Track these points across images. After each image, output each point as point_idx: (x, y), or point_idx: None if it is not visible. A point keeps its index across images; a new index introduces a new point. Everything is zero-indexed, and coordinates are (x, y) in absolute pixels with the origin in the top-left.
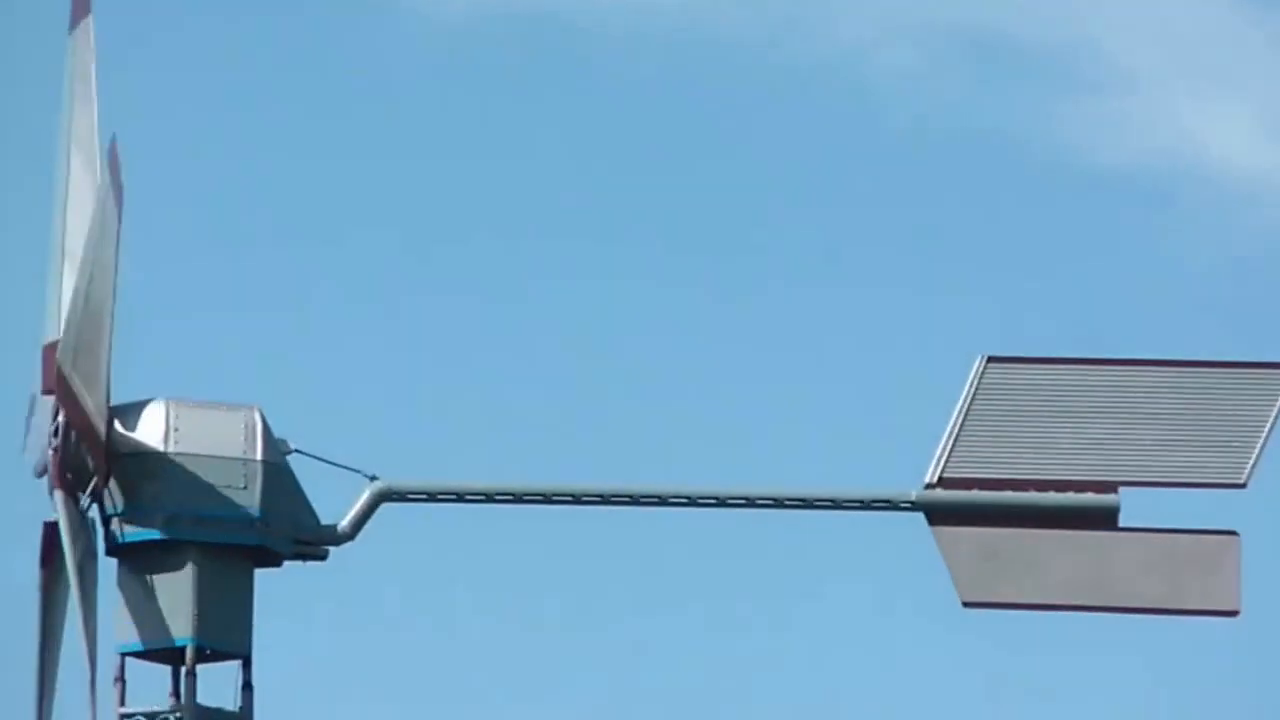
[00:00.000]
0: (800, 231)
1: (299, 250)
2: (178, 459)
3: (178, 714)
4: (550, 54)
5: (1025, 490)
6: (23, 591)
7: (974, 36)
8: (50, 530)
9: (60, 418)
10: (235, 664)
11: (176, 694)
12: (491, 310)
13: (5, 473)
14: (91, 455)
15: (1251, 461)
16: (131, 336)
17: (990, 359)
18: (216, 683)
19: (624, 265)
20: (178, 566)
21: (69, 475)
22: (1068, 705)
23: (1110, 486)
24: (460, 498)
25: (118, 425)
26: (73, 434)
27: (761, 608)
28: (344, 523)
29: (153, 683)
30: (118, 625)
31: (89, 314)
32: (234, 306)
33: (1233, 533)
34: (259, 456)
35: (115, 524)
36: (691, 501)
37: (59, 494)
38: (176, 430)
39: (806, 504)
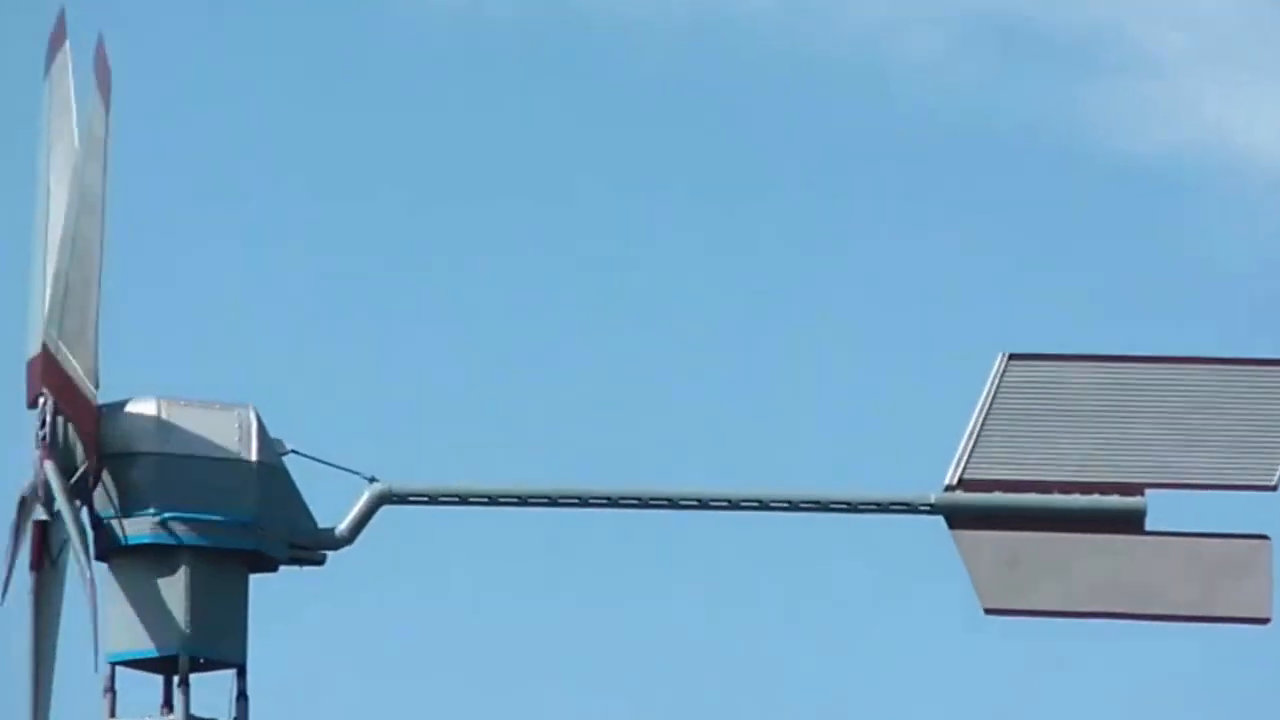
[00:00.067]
0: (813, 225)
1: (294, 244)
2: (169, 460)
3: None
4: (558, 37)
5: (1049, 492)
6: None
7: (995, 21)
8: (39, 530)
9: (48, 405)
10: (230, 673)
11: (169, 704)
12: (495, 308)
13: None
14: (81, 433)
15: None
16: (121, 332)
17: (1012, 356)
18: (210, 693)
19: (632, 263)
20: (169, 572)
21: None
22: (1090, 716)
23: (1136, 488)
24: (463, 500)
25: (105, 424)
26: (60, 426)
27: (774, 614)
28: (342, 526)
29: (144, 693)
30: (107, 633)
31: (75, 264)
32: (228, 301)
33: (1263, 536)
34: (254, 457)
35: (104, 527)
36: (702, 504)
37: (48, 464)
38: (168, 430)
39: (821, 507)
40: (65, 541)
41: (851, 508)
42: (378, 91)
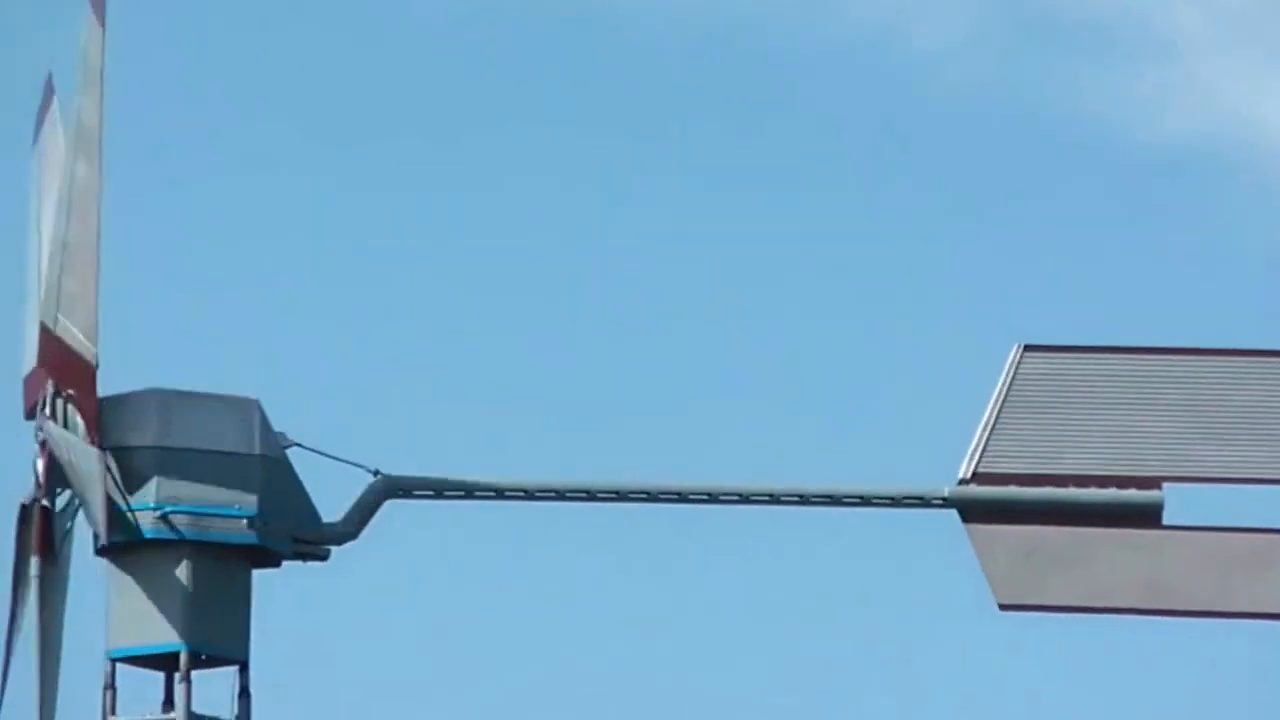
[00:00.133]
0: (828, 216)
1: (297, 234)
2: (171, 453)
3: None
4: (573, 24)
5: (1064, 486)
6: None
7: (1013, 8)
8: (44, 515)
9: (50, 391)
10: (232, 670)
11: (170, 701)
12: (502, 300)
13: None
14: (81, 412)
15: None
16: (123, 323)
17: (1027, 348)
18: (212, 689)
19: (644, 255)
20: (171, 567)
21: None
22: (1105, 712)
23: (1154, 482)
24: (469, 494)
25: (106, 416)
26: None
27: (786, 609)
28: (346, 520)
29: (145, 689)
30: (108, 628)
31: (73, 228)
32: (230, 293)
33: None
34: (257, 451)
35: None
36: (712, 498)
37: (49, 423)
38: (169, 423)
39: (834, 501)
40: (68, 531)
41: (864, 501)
42: (382, 77)
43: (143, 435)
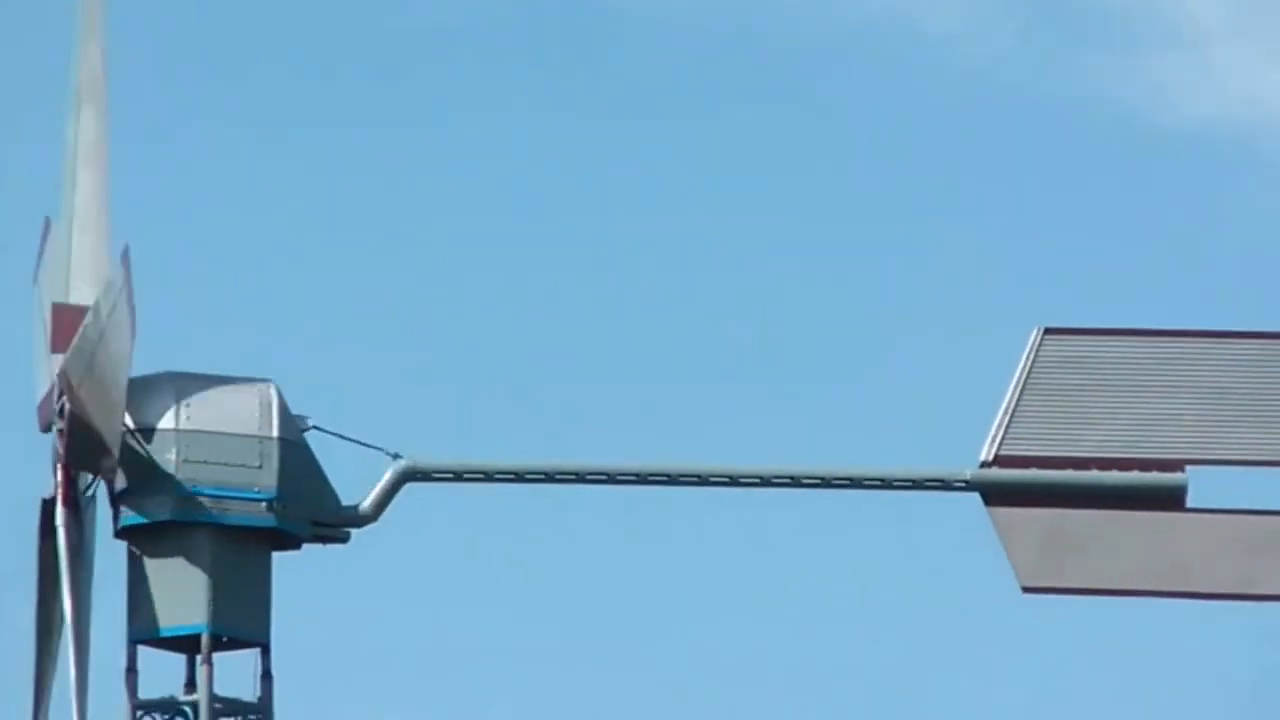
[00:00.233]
0: (846, 200)
1: (316, 218)
2: (189, 436)
3: (194, 704)
4: (581, 7)
5: (1086, 469)
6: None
7: None
8: (48, 507)
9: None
10: (253, 652)
11: (192, 683)
12: (523, 282)
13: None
14: (100, 461)
15: None
16: (141, 305)
17: (1048, 330)
18: (234, 671)
19: (666, 241)
20: (191, 550)
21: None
22: (1127, 694)
23: (1177, 465)
24: (488, 477)
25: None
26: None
27: (806, 591)
28: (366, 503)
29: (167, 672)
30: (129, 612)
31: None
32: (249, 275)
33: None
34: (275, 434)
35: (124, 504)
36: (733, 481)
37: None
38: (188, 406)
39: (855, 483)
40: (90, 497)
41: (886, 484)
42: (389, 70)
43: (162, 419)
